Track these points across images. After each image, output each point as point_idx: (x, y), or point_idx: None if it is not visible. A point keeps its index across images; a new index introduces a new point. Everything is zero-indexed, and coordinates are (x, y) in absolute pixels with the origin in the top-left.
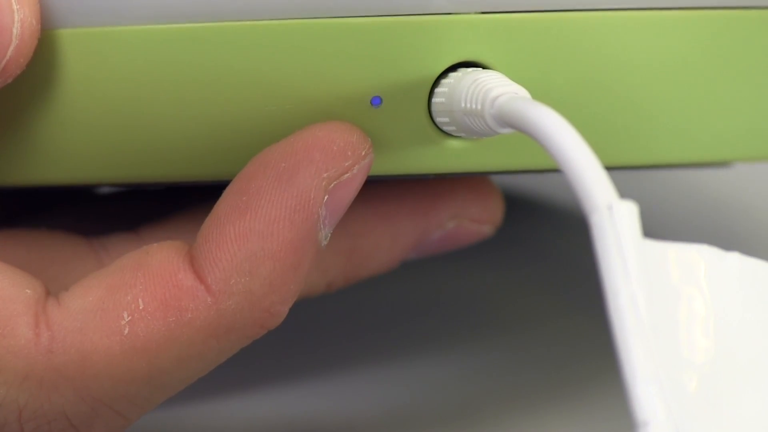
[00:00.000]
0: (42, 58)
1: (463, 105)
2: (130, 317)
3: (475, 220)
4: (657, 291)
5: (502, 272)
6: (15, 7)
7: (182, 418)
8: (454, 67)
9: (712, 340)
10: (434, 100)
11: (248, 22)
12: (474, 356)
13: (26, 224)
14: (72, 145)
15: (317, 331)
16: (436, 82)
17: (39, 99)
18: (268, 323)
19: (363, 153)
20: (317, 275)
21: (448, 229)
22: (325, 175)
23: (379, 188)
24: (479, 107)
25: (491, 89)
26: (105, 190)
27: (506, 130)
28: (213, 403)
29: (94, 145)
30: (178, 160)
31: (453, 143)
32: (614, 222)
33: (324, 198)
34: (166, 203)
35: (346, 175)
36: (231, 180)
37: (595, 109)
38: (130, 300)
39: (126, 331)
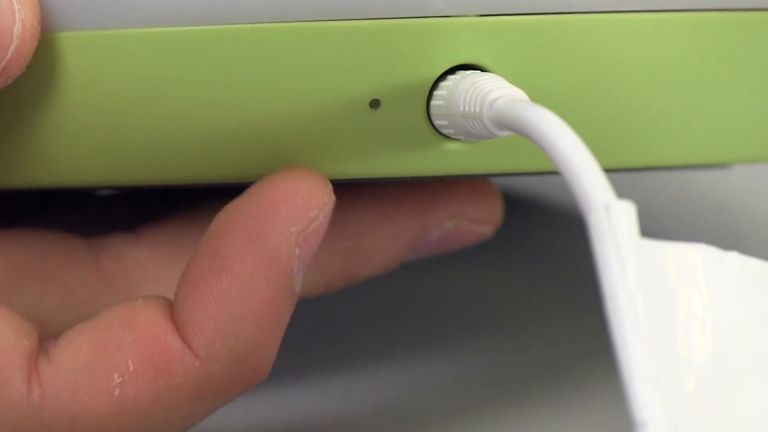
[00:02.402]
0: (42, 61)
1: (461, 108)
2: (120, 379)
3: (475, 221)
4: (655, 291)
5: (501, 273)
6: (16, 7)
7: None
8: (452, 70)
9: (710, 340)
10: (433, 102)
11: (246, 25)
12: (473, 356)
13: (25, 226)
14: (71, 148)
15: (317, 331)
16: (435, 85)
17: (39, 101)
18: (255, 380)
19: (326, 199)
20: (316, 276)
21: (448, 230)
22: (293, 229)
23: (377, 188)
24: (478, 110)
25: (489, 92)
26: (104, 191)
27: (505, 133)
28: None
29: (94, 148)
30: (177, 163)
31: (451, 146)
32: (611, 222)
33: (296, 251)
34: (165, 204)
35: (314, 225)
36: (230, 183)
37: (593, 112)
38: (120, 361)
39: (116, 393)
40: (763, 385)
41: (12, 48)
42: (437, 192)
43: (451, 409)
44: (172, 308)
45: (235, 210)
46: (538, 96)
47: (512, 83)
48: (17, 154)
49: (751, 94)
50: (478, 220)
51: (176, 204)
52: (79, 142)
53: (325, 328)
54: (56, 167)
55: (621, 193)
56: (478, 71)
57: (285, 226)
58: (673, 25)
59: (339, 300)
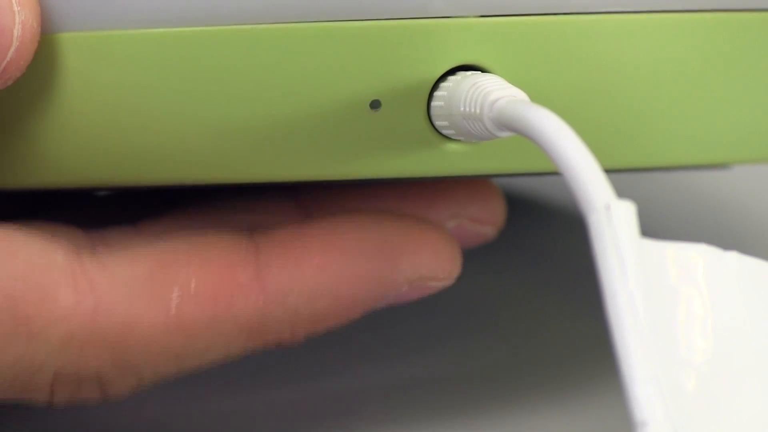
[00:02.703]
0: (42, 62)
1: (462, 108)
2: (179, 298)
3: (476, 221)
4: (655, 290)
5: (502, 273)
6: (16, 8)
7: (180, 416)
8: (453, 71)
9: (711, 340)
10: (433, 103)
11: (246, 26)
12: (474, 356)
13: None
14: (71, 149)
15: None
16: (435, 86)
17: (39, 102)
18: (287, 342)
19: (454, 276)
20: None
21: (450, 230)
22: (420, 273)
23: (378, 187)
24: (478, 111)
25: (490, 92)
26: (104, 191)
27: (505, 134)
28: (211, 401)
29: (94, 149)
30: (177, 163)
31: (452, 147)
32: (612, 222)
33: (403, 289)
34: (165, 204)
35: (431, 284)
36: (230, 184)
37: (593, 112)
38: (183, 280)
39: (173, 309)
40: (764, 385)
41: (12, 50)
42: (438, 191)
43: (451, 408)
44: (250, 244)
45: (391, 218)
46: (538, 96)
47: (512, 84)
48: (17, 154)
49: (751, 94)
50: (480, 221)
51: (176, 204)
52: (79, 143)
53: None
54: (56, 168)
55: (621, 193)
56: (479, 72)
57: (418, 266)
58: (672, 25)
59: None
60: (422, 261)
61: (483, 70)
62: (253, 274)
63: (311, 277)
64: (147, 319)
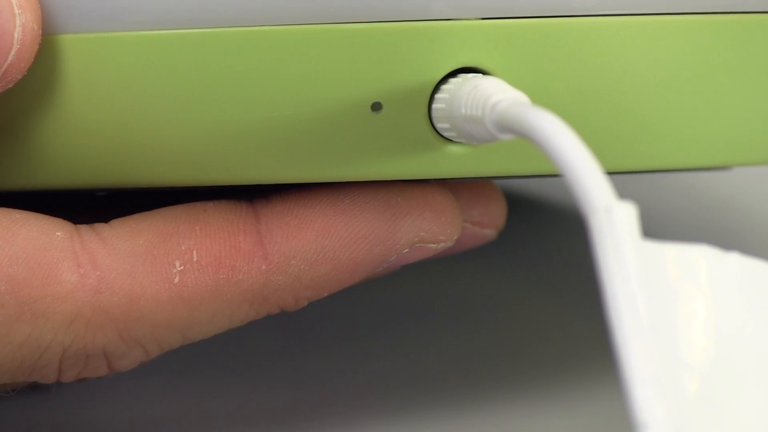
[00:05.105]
0: (43, 64)
1: (463, 111)
2: (182, 267)
3: (477, 223)
4: (656, 292)
5: (503, 274)
6: (17, 11)
7: (179, 416)
8: (454, 73)
9: (712, 342)
10: (434, 105)
11: (248, 28)
12: (474, 357)
13: None
14: (72, 150)
15: (317, 330)
16: (437, 88)
17: (40, 104)
18: (290, 308)
19: (453, 239)
20: None
21: None
22: (421, 234)
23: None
24: (479, 113)
25: (491, 95)
26: (104, 192)
27: (507, 136)
28: (210, 401)
29: (95, 150)
30: (178, 165)
31: (453, 149)
32: (613, 224)
33: (405, 250)
34: (165, 205)
35: (431, 245)
36: (230, 185)
37: (595, 115)
38: (184, 250)
39: (176, 280)
40: (765, 387)
41: (13, 52)
42: None
43: (451, 409)
44: (251, 211)
45: (393, 185)
46: (539, 99)
47: (514, 86)
48: (18, 156)
49: (752, 96)
50: (481, 223)
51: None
52: (80, 144)
53: (324, 328)
54: (57, 169)
55: (622, 194)
56: (480, 74)
57: (419, 227)
58: (673, 28)
59: (339, 300)
60: (423, 223)
61: (484, 73)
62: (255, 240)
63: (313, 241)
64: (151, 292)
